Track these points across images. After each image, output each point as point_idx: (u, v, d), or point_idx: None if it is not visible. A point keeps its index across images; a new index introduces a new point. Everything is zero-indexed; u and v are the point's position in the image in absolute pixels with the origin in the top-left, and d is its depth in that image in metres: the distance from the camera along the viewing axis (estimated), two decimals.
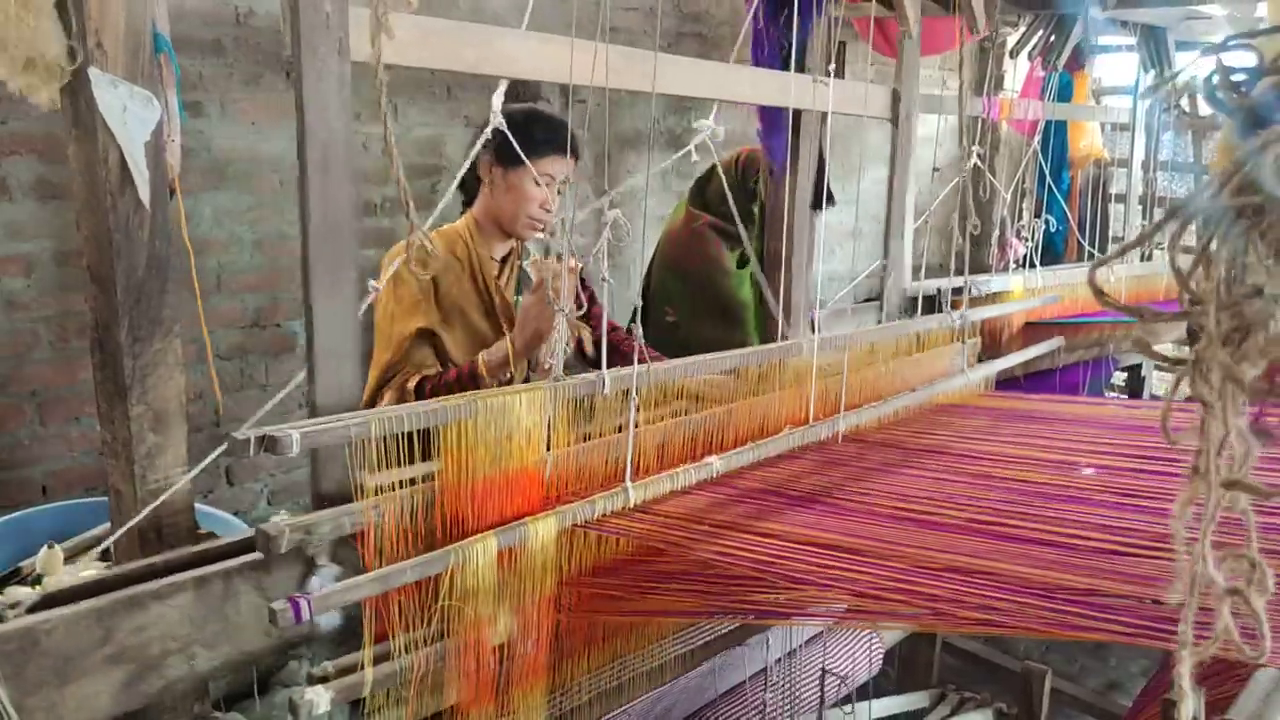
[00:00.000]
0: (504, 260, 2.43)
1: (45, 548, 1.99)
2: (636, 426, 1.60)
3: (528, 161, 1.96)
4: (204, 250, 3.27)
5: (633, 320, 1.92)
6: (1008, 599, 1.10)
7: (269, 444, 1.35)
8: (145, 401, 1.61)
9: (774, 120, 2.52)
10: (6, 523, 2.28)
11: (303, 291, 1.49)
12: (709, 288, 3.41)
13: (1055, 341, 3.19)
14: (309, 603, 1.25)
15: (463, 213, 2.51)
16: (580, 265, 2.09)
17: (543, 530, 1.44)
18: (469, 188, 2.43)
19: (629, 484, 1.56)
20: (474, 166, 2.34)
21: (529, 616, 1.45)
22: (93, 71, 1.40)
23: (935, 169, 3.09)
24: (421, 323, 2.21)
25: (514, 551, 1.42)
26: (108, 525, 1.66)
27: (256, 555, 1.33)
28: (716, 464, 1.68)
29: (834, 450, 2.00)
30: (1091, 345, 3.95)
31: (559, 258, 1.79)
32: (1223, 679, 1.02)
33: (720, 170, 2.62)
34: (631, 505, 1.55)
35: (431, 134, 3.86)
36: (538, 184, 2.25)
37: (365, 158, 3.64)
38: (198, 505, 1.72)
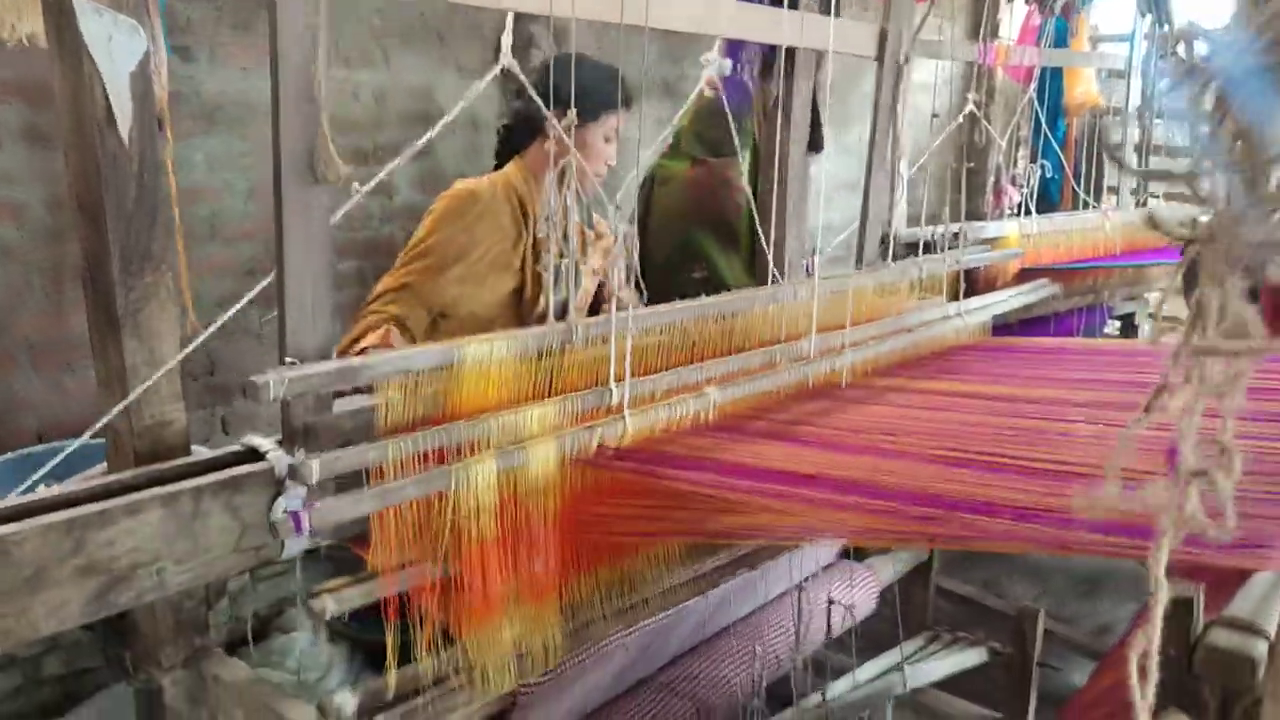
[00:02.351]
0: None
1: (42, 487, 1.99)
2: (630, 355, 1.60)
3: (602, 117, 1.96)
4: (196, 197, 3.25)
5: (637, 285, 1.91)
6: (996, 520, 1.11)
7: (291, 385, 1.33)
8: (138, 336, 1.60)
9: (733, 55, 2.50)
10: (4, 462, 2.28)
11: (275, 221, 1.47)
12: (747, 234, 3.33)
13: (1048, 286, 3.18)
14: (309, 515, 1.25)
15: (497, 166, 2.51)
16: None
17: (543, 453, 1.45)
18: (514, 139, 2.43)
19: (627, 412, 1.56)
20: (522, 119, 2.35)
21: (534, 537, 1.46)
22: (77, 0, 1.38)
23: (934, 115, 3.06)
24: (429, 302, 2.22)
25: (515, 474, 1.43)
26: (104, 465, 1.66)
27: (225, 474, 1.34)
28: (714, 394, 1.69)
29: (830, 390, 2.00)
30: (1086, 292, 3.95)
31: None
32: (1219, 589, 1.03)
33: (704, 106, 2.59)
34: (629, 431, 1.55)
35: (422, 81, 3.82)
36: (607, 140, 2.26)
37: (356, 106, 3.61)
38: (195, 448, 1.72)
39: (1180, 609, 0.80)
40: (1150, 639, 0.62)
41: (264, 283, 1.57)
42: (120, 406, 1.54)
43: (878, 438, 1.57)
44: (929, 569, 3.11)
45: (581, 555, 1.58)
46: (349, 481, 1.43)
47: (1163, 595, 0.62)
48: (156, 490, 1.31)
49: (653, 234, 3.46)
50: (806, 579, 2.43)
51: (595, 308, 2.49)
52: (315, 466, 1.26)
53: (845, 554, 2.67)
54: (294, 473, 1.27)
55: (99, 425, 1.58)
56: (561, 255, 1.68)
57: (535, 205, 2.33)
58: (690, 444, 1.58)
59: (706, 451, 1.54)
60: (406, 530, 1.40)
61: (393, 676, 1.43)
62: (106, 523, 1.24)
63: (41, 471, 1.58)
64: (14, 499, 1.27)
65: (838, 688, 2.43)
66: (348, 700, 1.41)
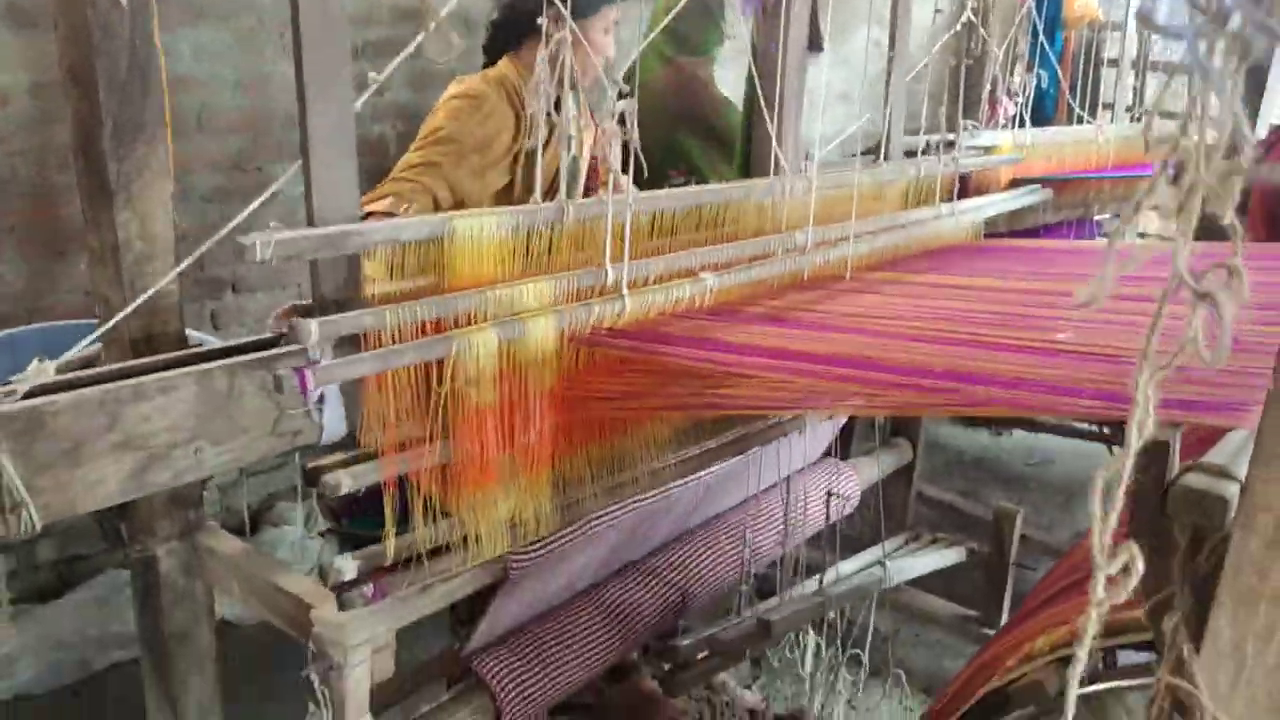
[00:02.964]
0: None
1: (35, 361, 1.99)
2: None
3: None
4: (184, 88, 3.20)
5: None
6: (984, 387, 1.14)
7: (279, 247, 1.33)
8: (131, 207, 1.60)
9: None
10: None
11: (296, 95, 1.45)
12: (728, 131, 3.30)
13: (1040, 191, 3.19)
14: (313, 373, 1.27)
15: (487, 63, 2.49)
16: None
17: (541, 327, 1.46)
18: (502, 37, 2.40)
19: (625, 291, 1.56)
20: (515, 15, 2.32)
21: (530, 409, 1.48)
22: None
23: (937, 10, 3.03)
24: (443, 189, 2.21)
25: (513, 345, 1.45)
26: (99, 346, 1.65)
27: (260, 354, 1.34)
28: (711, 280, 1.69)
29: (825, 282, 2.01)
30: (1076, 206, 3.95)
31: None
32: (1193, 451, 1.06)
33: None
34: (627, 310, 1.56)
35: None
36: (605, 32, 2.24)
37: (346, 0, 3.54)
38: (187, 331, 1.72)
39: (1156, 454, 0.82)
40: (1124, 462, 0.65)
41: (277, 184, 1.53)
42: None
43: (870, 321, 1.59)
44: (910, 472, 3.17)
45: (575, 431, 1.60)
46: None
47: (1145, 425, 0.64)
48: (190, 368, 1.31)
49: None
50: (792, 474, 2.47)
51: (587, 195, 2.49)
52: (313, 328, 1.27)
53: (829, 452, 2.71)
54: (292, 333, 1.28)
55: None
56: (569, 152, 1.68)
57: (530, 101, 2.31)
58: (686, 325, 1.60)
59: (702, 332, 1.55)
60: (405, 400, 1.42)
61: (391, 543, 1.46)
62: (140, 398, 1.24)
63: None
64: (46, 377, 1.26)
65: (822, 581, 2.49)
66: (348, 564, 1.44)
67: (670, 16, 2.18)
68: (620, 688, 2.39)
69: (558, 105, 1.60)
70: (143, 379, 1.25)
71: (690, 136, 3.34)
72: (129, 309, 1.50)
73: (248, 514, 3.43)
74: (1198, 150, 0.61)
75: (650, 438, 1.76)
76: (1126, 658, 1.17)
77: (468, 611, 2.17)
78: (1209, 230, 0.65)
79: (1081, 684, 1.11)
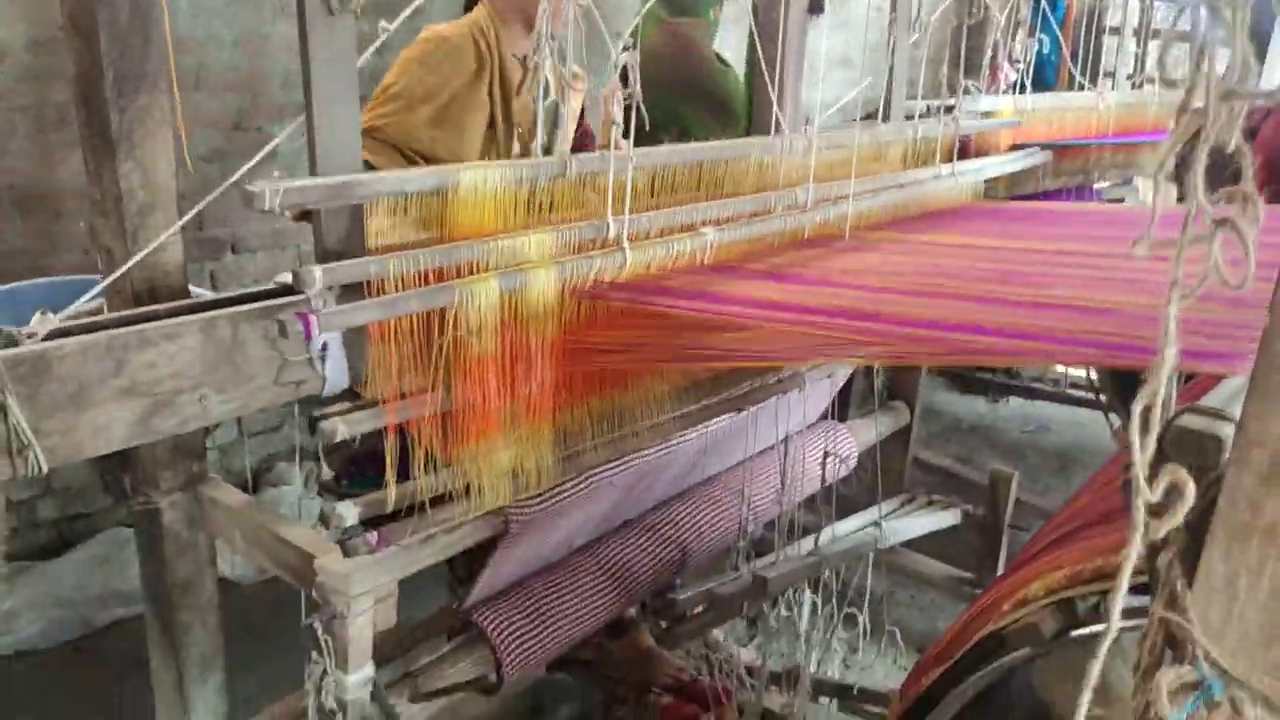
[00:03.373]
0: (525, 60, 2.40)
1: (37, 314, 2.00)
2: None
3: None
4: (182, 48, 3.16)
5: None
6: (980, 336, 1.15)
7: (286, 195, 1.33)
8: (134, 158, 1.60)
9: None
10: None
11: (300, 44, 1.44)
12: (716, 92, 3.28)
13: (1040, 153, 3.19)
14: (316, 319, 1.28)
15: (466, 9, 2.45)
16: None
17: (542, 278, 1.47)
18: None
19: (626, 244, 1.57)
20: None
21: (532, 360, 1.49)
22: None
23: None
24: (402, 144, 2.18)
25: (515, 296, 1.46)
26: (102, 300, 1.65)
27: (263, 304, 1.35)
28: (711, 235, 1.70)
29: (824, 240, 2.02)
30: (1076, 173, 3.95)
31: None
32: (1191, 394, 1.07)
33: None
34: (628, 262, 1.57)
35: None
36: None
37: None
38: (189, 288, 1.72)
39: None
40: (1157, 387, 0.66)
41: (279, 138, 1.52)
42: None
43: (869, 277, 1.60)
44: (907, 435, 3.19)
45: (576, 384, 1.61)
46: None
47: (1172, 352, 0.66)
48: (195, 315, 1.31)
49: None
50: (790, 435, 2.48)
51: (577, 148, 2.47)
52: (317, 274, 1.27)
53: (827, 414, 2.73)
54: (296, 281, 1.28)
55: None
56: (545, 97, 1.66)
57: (503, 45, 2.29)
58: (686, 280, 1.60)
59: (702, 285, 1.56)
60: (407, 349, 1.42)
61: (392, 490, 1.47)
62: (146, 345, 1.24)
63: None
64: (51, 323, 1.26)
65: (818, 540, 2.51)
66: (350, 510, 1.45)
67: None
68: (619, 643, 2.42)
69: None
70: (148, 325, 1.25)
71: (684, 101, 3.32)
72: (133, 261, 1.50)
73: (250, 474, 3.45)
74: (1207, 77, 0.61)
75: (650, 392, 1.77)
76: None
77: (466, 570, 2.19)
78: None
79: (1078, 626, 1.13)
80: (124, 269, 1.51)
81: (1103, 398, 3.86)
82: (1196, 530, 0.82)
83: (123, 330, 1.23)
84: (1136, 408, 0.68)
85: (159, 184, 1.63)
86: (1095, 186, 4.20)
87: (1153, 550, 0.87)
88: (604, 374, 1.62)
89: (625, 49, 1.54)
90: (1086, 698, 0.74)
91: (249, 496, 1.81)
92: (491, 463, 1.53)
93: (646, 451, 1.89)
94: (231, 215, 3.46)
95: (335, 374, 1.45)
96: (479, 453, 1.51)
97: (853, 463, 2.79)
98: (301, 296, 1.34)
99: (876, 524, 2.70)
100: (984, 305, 1.34)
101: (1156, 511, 0.68)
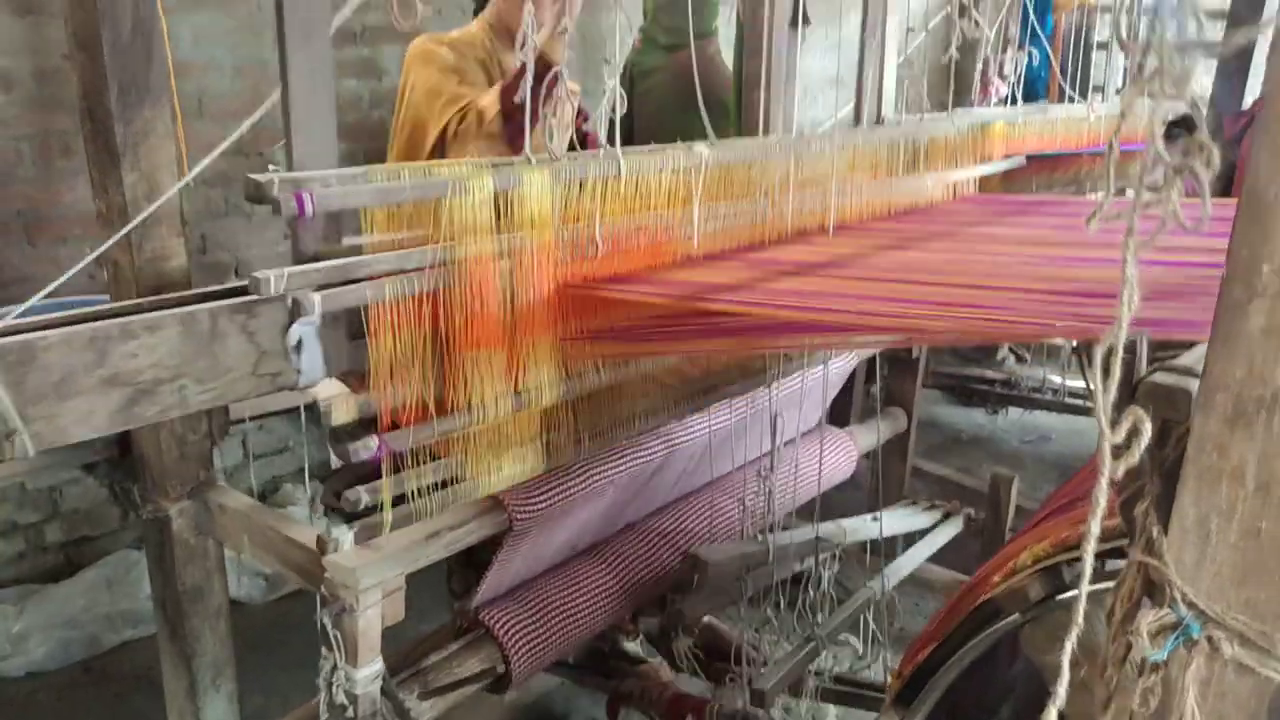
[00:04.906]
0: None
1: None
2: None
3: None
4: (184, 74, 3.24)
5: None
6: (966, 310, 1.18)
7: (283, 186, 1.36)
8: (138, 169, 1.64)
9: None
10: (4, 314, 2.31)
11: (277, 43, 1.50)
12: (735, 109, 3.33)
13: (1019, 160, 3.25)
14: (312, 197, 1.31)
15: (476, 13, 2.51)
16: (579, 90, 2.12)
17: (538, 180, 1.50)
18: None
19: (620, 158, 1.60)
20: None
21: (529, 269, 1.52)
22: None
23: None
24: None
25: (510, 197, 1.49)
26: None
27: (241, 299, 1.38)
28: (704, 152, 1.70)
29: (810, 237, 2.05)
30: (1069, 182, 3.99)
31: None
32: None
33: None
34: (622, 172, 1.59)
35: None
36: None
37: None
38: None
39: (1126, 354, 0.87)
40: (1118, 332, 0.69)
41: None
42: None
43: (857, 262, 1.63)
44: (906, 442, 3.21)
45: (574, 305, 1.61)
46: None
47: (1133, 296, 0.69)
48: (175, 310, 1.35)
49: (641, 131, 3.43)
50: (790, 440, 2.51)
51: None
52: (309, 197, 1.31)
53: (828, 419, 2.76)
54: (285, 197, 1.32)
55: (98, 256, 1.62)
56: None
57: (501, 55, 2.35)
58: (673, 272, 1.63)
59: (690, 275, 1.59)
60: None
61: (389, 515, 1.51)
62: (127, 336, 1.28)
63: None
64: (35, 317, 1.30)
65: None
66: (344, 534, 1.49)
67: None
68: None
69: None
70: (129, 318, 1.29)
71: (699, 118, 3.36)
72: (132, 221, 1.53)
73: (256, 495, 3.47)
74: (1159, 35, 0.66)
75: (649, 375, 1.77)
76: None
77: (464, 585, 2.22)
78: None
79: (1064, 590, 1.16)
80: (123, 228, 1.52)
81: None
82: (1170, 479, 0.85)
83: (105, 322, 1.27)
84: (1098, 353, 0.71)
85: (163, 195, 1.67)
86: (1087, 197, 4.25)
87: (1129, 502, 0.91)
88: (605, 302, 1.62)
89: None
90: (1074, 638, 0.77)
91: (256, 501, 1.83)
92: (492, 374, 1.53)
93: (646, 447, 1.92)
94: (235, 239, 3.51)
95: (311, 365, 1.47)
96: (479, 359, 1.51)
97: (852, 468, 2.82)
98: (277, 294, 1.38)
99: (876, 521, 2.71)
100: (968, 289, 1.37)
101: (1117, 455, 0.71)
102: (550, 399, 1.62)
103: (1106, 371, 0.71)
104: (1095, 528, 0.65)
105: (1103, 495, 0.69)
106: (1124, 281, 0.70)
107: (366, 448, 1.47)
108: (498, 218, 1.51)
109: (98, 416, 1.28)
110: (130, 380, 1.29)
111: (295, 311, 1.40)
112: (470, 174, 1.46)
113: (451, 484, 1.57)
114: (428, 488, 1.56)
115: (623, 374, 1.72)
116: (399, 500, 1.57)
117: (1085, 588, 0.68)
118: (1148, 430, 0.67)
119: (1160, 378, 0.89)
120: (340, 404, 1.40)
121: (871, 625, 2.49)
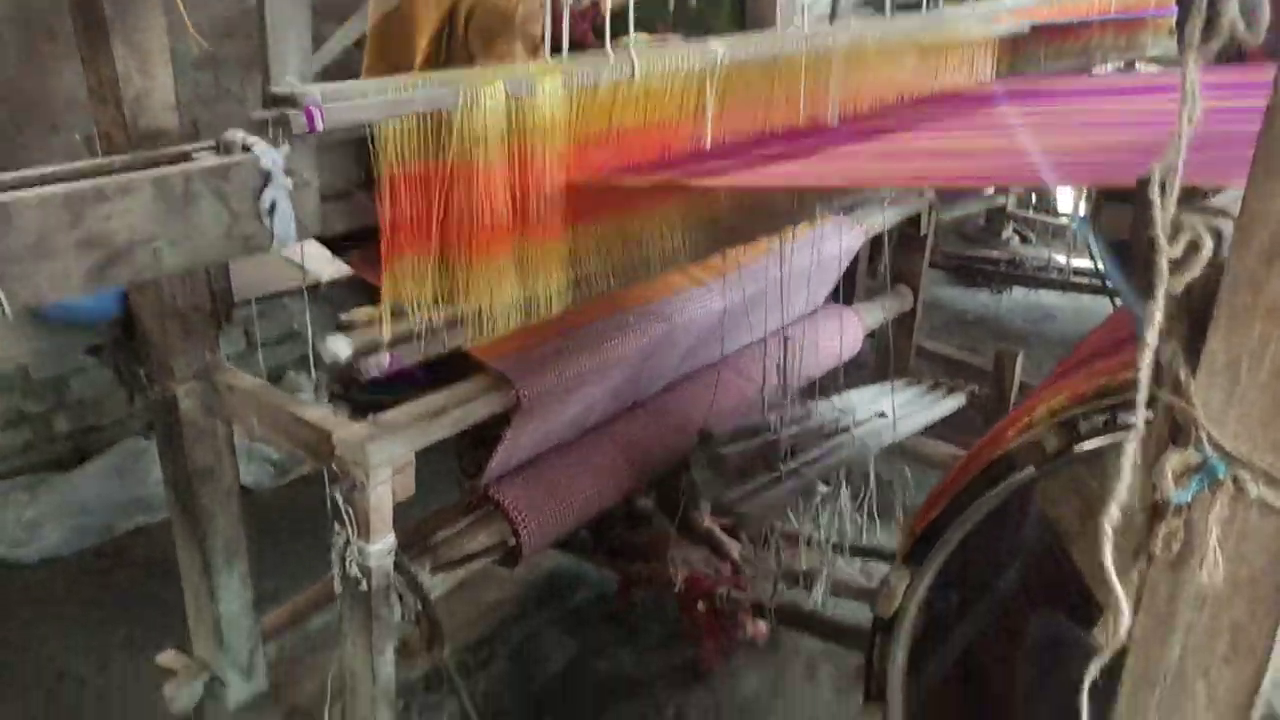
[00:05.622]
0: None
1: None
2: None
3: None
4: None
5: None
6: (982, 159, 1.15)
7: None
8: (129, 42, 1.59)
9: None
10: None
11: None
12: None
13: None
14: (320, 111, 1.29)
15: None
16: None
17: (549, 88, 1.46)
18: None
19: (634, 57, 1.56)
20: None
21: (540, 174, 1.49)
22: None
23: None
24: None
25: (521, 105, 1.45)
26: None
27: (213, 162, 1.35)
28: (720, 50, 1.64)
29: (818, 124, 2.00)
30: (1077, 54, 3.89)
31: None
32: None
33: None
34: (635, 73, 1.55)
35: None
36: None
37: None
38: None
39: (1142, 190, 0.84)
40: (1178, 145, 0.67)
41: None
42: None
43: (862, 134, 1.60)
44: (912, 320, 3.19)
45: (586, 204, 1.58)
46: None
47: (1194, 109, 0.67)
48: (148, 172, 1.32)
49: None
50: (797, 318, 2.50)
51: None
52: (317, 113, 1.28)
53: (834, 297, 2.74)
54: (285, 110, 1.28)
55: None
56: None
57: None
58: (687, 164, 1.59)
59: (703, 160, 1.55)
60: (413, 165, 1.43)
61: (388, 324, 1.49)
62: (101, 198, 1.26)
63: None
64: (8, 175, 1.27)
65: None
66: (342, 345, 1.47)
67: None
68: (643, 533, 2.44)
69: None
70: (104, 179, 1.27)
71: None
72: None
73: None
74: None
75: (663, 219, 1.73)
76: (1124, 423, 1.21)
77: (474, 465, 2.22)
78: None
79: (1080, 443, 1.16)
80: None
81: (1107, 283, 3.86)
82: (1199, 320, 0.83)
83: (80, 183, 1.25)
84: (1154, 173, 0.69)
85: (155, 70, 1.62)
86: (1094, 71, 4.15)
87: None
88: (615, 197, 1.59)
89: None
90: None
91: (264, 381, 1.82)
92: (500, 283, 1.52)
93: (651, 322, 1.90)
94: (226, 122, 3.43)
95: (284, 229, 1.44)
96: (488, 271, 1.50)
97: (859, 344, 2.81)
98: (250, 157, 1.36)
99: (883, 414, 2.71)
100: (977, 160, 1.34)
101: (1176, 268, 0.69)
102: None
103: (1163, 189, 0.69)
104: (1153, 338, 0.64)
105: (1159, 311, 0.68)
106: (1183, 94, 0.67)
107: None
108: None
109: (72, 279, 1.26)
110: (105, 242, 1.27)
111: (267, 176, 1.38)
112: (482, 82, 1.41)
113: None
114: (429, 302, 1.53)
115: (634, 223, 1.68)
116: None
117: (1141, 415, 0.67)
118: (1209, 243, 0.65)
119: (1191, 219, 0.86)
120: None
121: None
